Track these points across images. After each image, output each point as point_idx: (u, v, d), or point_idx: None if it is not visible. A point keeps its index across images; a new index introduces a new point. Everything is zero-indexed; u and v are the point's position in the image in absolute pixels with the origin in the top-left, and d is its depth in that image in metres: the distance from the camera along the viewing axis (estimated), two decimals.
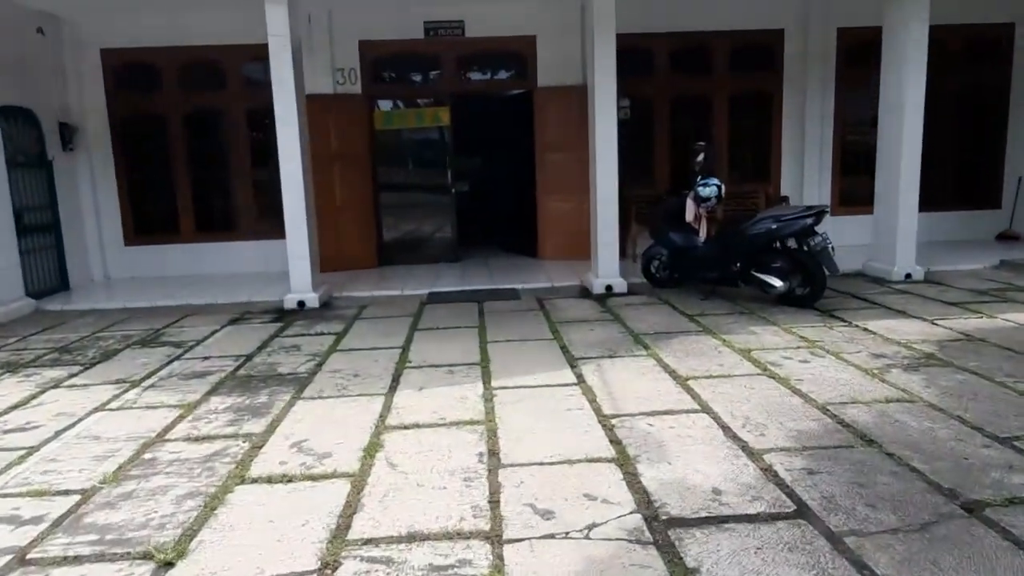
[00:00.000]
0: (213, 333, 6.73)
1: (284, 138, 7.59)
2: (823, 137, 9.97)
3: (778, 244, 6.71)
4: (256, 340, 6.38)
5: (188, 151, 10.00)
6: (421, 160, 10.68)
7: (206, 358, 5.85)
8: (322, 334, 6.50)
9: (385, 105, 10.18)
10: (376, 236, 10.12)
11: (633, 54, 9.50)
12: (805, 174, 10.03)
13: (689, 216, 7.29)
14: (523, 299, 7.76)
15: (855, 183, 10.11)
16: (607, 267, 7.83)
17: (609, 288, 7.80)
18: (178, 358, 5.89)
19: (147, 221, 10.16)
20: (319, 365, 5.49)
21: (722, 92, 10.09)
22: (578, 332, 6.15)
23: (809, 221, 6.42)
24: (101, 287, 9.49)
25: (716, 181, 7.11)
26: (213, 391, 4.94)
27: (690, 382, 4.70)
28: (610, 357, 5.35)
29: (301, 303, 7.75)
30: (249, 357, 5.83)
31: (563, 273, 9.03)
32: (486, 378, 4.95)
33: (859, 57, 9.85)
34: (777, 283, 6.60)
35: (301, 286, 7.80)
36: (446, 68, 9.89)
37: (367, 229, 10.02)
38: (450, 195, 10.23)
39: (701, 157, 7.33)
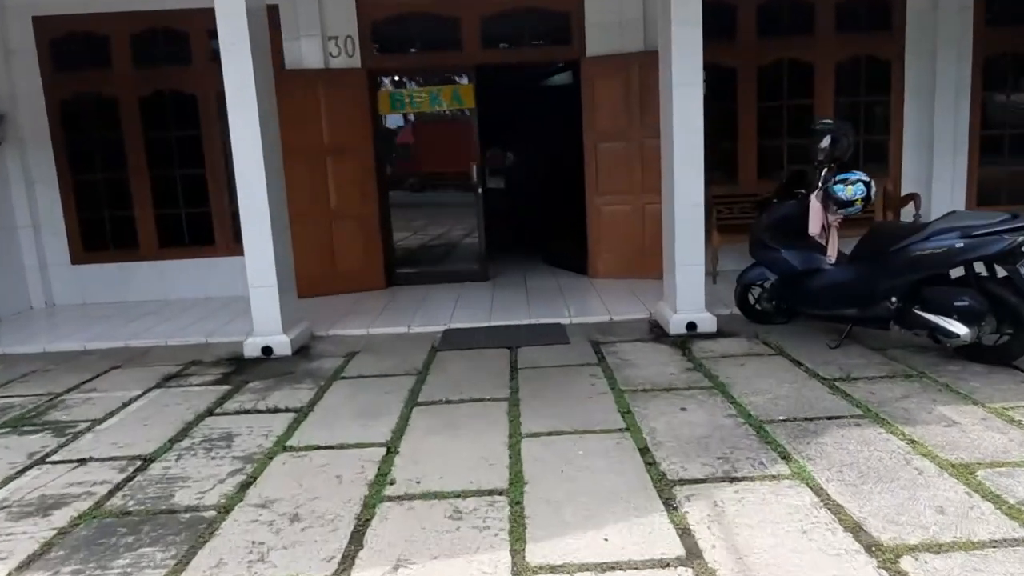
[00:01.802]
0: (127, 404, 4.68)
1: (238, 126, 5.51)
2: (958, 115, 7.58)
3: (961, 270, 4.45)
4: (178, 420, 4.30)
5: (148, 144, 7.97)
6: (439, 152, 8.53)
7: (84, 461, 3.77)
8: (276, 411, 4.39)
9: (391, 83, 8.03)
10: (382, 249, 8.00)
11: (709, 13, 7.21)
12: (935, 164, 7.65)
13: (814, 227, 5.02)
14: (573, 342, 5.57)
15: (1003, 176, 7.73)
16: (690, 297, 5.60)
17: (692, 326, 5.58)
18: (45, 459, 3.84)
19: (99, 233, 8.16)
20: (246, 485, 3.37)
21: (825, 60, 7.75)
22: (662, 414, 3.95)
23: (1021, 238, 4.13)
24: (36, 318, 7.52)
25: (863, 176, 4.84)
26: (36, 558, 2.83)
27: (903, 561, 2.46)
28: (729, 480, 3.14)
29: (267, 349, 5.65)
30: (149, 460, 3.75)
31: (623, 299, 6.81)
32: (516, 532, 2.78)
33: (1008, 11, 7.46)
34: (962, 330, 4.33)
35: (267, 326, 5.71)
36: (469, 34, 7.70)
37: (370, 240, 7.89)
38: (476, 195, 8.06)
39: (827, 142, 5.07)
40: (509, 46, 7.82)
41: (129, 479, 3.54)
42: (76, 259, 8.11)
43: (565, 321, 6.19)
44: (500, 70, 8.24)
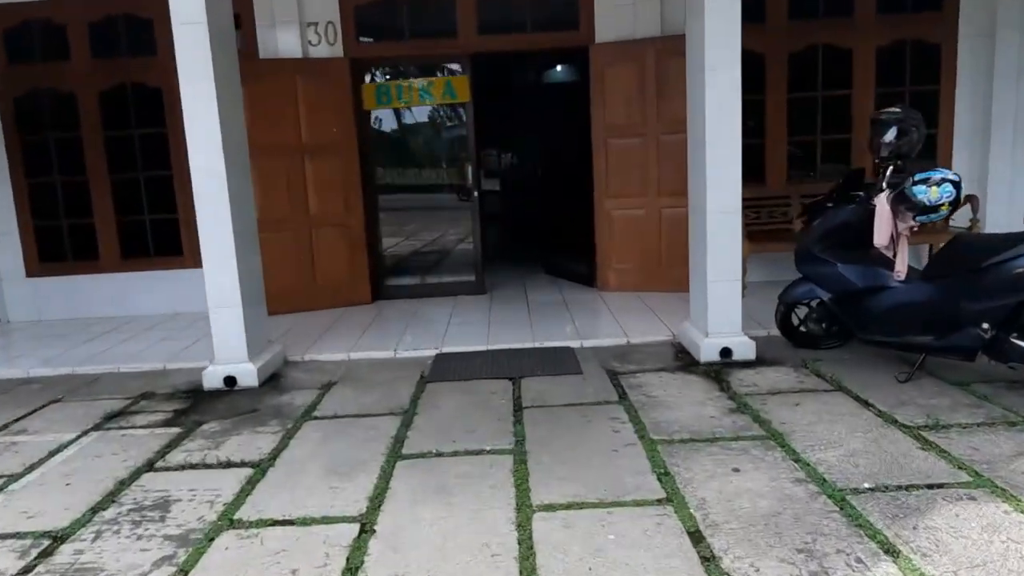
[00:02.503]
0: (54, 453, 3.87)
1: (194, 119, 4.68)
2: (1021, 102, 6.76)
3: None
4: (108, 478, 3.49)
5: (108, 144, 7.14)
6: (431, 151, 7.73)
7: None
8: (229, 465, 3.57)
9: (377, 75, 7.21)
10: (368, 259, 7.17)
11: None
12: (991, 161, 6.85)
13: (881, 237, 4.21)
14: (586, 372, 4.74)
15: None
16: (724, 318, 4.78)
17: (727, 352, 4.76)
18: None
19: (56, 243, 7.33)
20: None
21: (866, 44, 6.94)
22: (710, 477, 3.14)
23: None
24: None
25: (948, 174, 4.02)
26: None
27: None
28: None
29: (229, 380, 4.82)
30: (60, 539, 2.93)
31: (640, 318, 5.99)
32: None
33: None
34: None
35: (229, 352, 4.87)
36: (464, 18, 6.88)
37: (355, 250, 7.06)
38: (472, 199, 7.23)
39: (892, 134, 4.27)
40: (510, 31, 6.97)
41: (26, 571, 2.70)
42: (31, 271, 7.30)
43: (575, 344, 5.37)
44: (497, 60, 7.42)
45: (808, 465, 3.20)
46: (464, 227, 7.62)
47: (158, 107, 6.93)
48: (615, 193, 6.90)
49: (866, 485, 3.00)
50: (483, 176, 17.13)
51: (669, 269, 6.76)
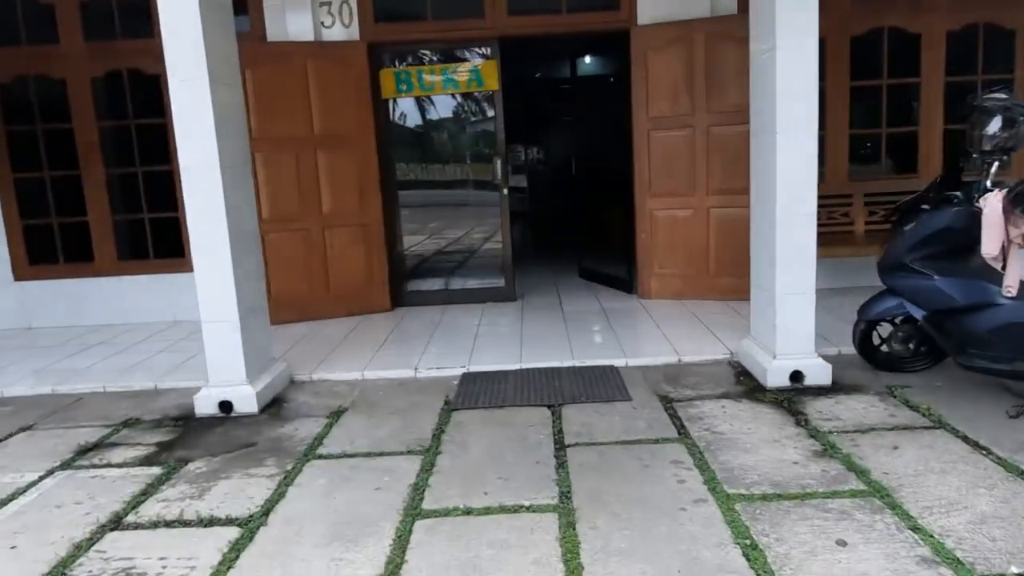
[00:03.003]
0: (7, 502, 3.25)
1: (183, 106, 4.08)
2: None
3: None
4: (64, 540, 2.90)
5: (103, 136, 6.57)
6: (456, 144, 7.10)
7: None
8: (212, 523, 2.95)
9: (397, 61, 6.58)
10: (387, 262, 6.55)
11: None
12: None
13: (991, 245, 3.50)
14: (636, 397, 4.09)
15: None
16: (796, 337, 4.11)
17: (797, 376, 4.08)
18: None
19: (48, 244, 6.78)
20: None
21: (936, 26, 6.21)
22: (811, 554, 2.49)
23: None
24: None
25: None
26: None
27: None
28: None
29: (225, 405, 4.22)
30: None
31: (689, 331, 5.32)
32: None
33: None
34: None
35: (225, 373, 4.27)
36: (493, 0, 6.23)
37: (373, 251, 6.44)
38: (501, 196, 6.58)
39: (996, 125, 3.58)
40: (543, 13, 6.31)
41: None
42: (20, 275, 6.75)
43: (619, 362, 4.71)
44: (530, 44, 6.77)
45: (931, 537, 2.53)
46: (492, 227, 6.97)
47: (156, 95, 6.33)
48: (659, 191, 6.23)
49: (1014, 570, 2.32)
50: (510, 172, 16.57)
51: (718, 276, 6.09)
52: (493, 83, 6.33)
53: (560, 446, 3.49)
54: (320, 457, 3.55)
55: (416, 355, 5.10)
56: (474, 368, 4.77)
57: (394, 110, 6.67)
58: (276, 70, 5.97)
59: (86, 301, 6.70)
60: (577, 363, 4.74)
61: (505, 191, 6.51)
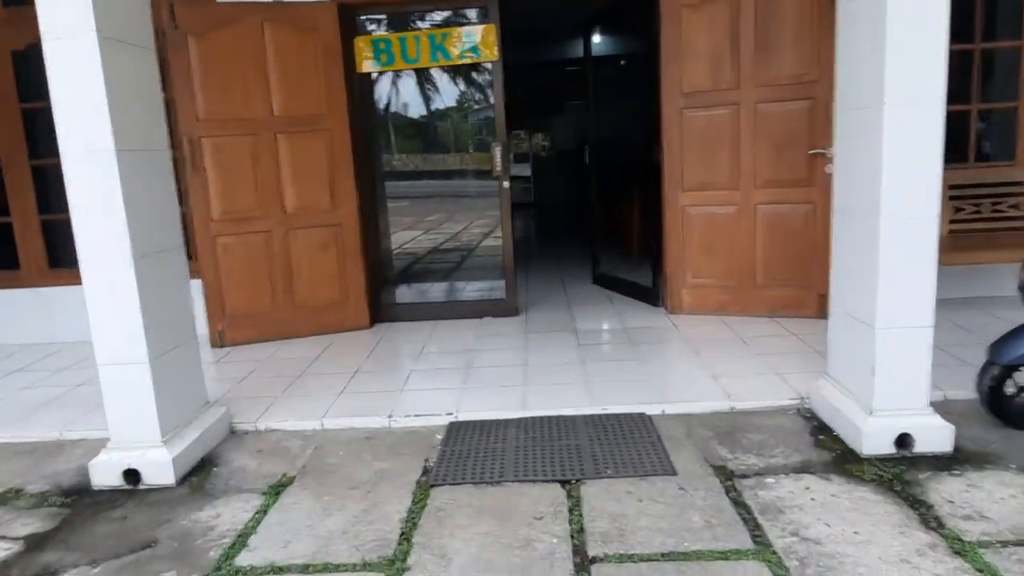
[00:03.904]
0: None
1: (60, 78, 2.96)
2: None
3: None
4: None
5: (27, 122, 5.47)
6: (448, 127, 5.98)
7: None
8: None
9: (375, 27, 5.46)
10: (365, 269, 5.43)
11: None
12: None
13: None
14: (681, 469, 2.99)
15: None
16: (902, 386, 3.01)
17: (905, 441, 2.96)
18: None
19: None
20: None
21: None
22: None
23: None
24: None
25: None
26: None
27: None
28: None
29: (132, 475, 3.13)
30: None
31: (737, 359, 4.23)
32: None
33: None
34: None
35: (132, 431, 3.19)
36: None
37: (346, 256, 5.34)
38: (501, 190, 5.46)
39: None
40: None
41: None
42: None
43: (653, 409, 3.62)
44: (535, 7, 5.63)
45: None
46: (489, 225, 5.88)
47: None
48: (693, 184, 5.11)
49: None
50: (513, 161, 15.44)
51: (767, 287, 4.99)
52: (492, 52, 5.20)
53: (582, 560, 2.39)
54: (238, 572, 2.46)
55: (392, 393, 4.02)
56: (464, 414, 3.68)
57: (372, 87, 5.55)
58: (226, 37, 4.88)
59: (11, 316, 5.63)
60: (598, 409, 3.65)
61: (506, 184, 5.39)
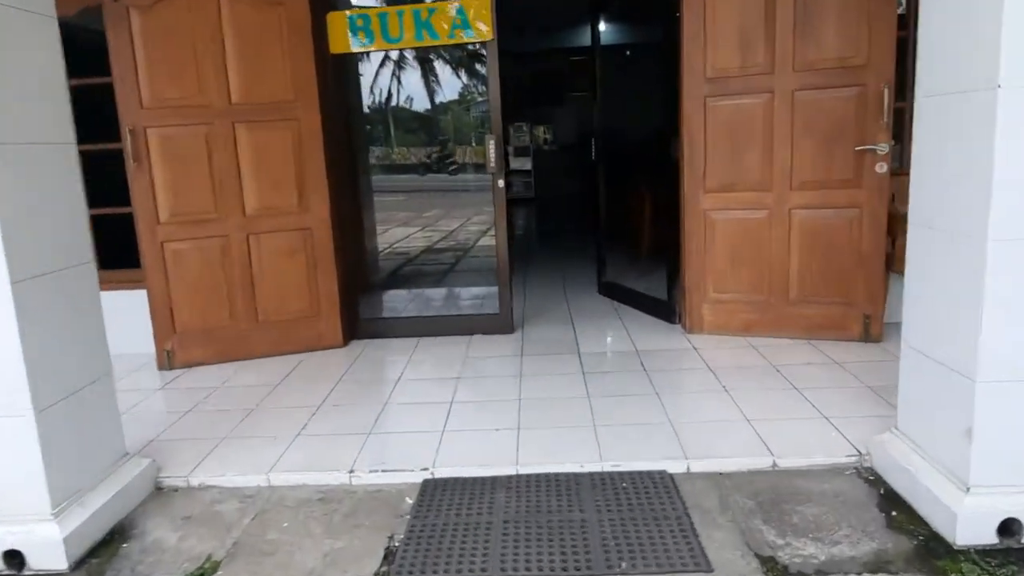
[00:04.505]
0: None
1: None
2: None
3: None
4: None
5: None
6: (436, 117, 5.27)
7: None
8: None
9: (351, 0, 4.76)
10: (339, 278, 4.73)
11: None
12: None
13: None
14: (720, 566, 2.27)
15: None
16: (1006, 455, 2.30)
17: (1010, 528, 2.25)
18: None
19: None
20: None
21: None
22: None
23: None
24: None
25: None
26: None
27: None
28: None
29: (14, 558, 2.43)
30: None
31: (773, 396, 3.54)
32: None
33: None
34: None
35: (16, 501, 2.49)
36: None
37: (318, 265, 4.66)
38: (495, 188, 4.73)
39: None
40: None
41: None
42: None
43: (676, 466, 2.93)
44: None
45: None
46: (482, 226, 5.17)
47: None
48: (717, 184, 4.40)
49: None
50: (512, 154, 14.70)
51: (802, 303, 4.29)
52: (485, 29, 4.48)
53: None
54: None
55: (359, 436, 3.32)
56: (443, 469, 2.99)
57: (349, 70, 4.83)
58: (175, 10, 4.19)
59: None
60: (608, 465, 2.95)
61: (501, 182, 4.68)
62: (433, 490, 2.87)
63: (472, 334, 4.88)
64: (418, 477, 2.97)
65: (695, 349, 4.35)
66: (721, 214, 4.43)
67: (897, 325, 4.46)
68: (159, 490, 3.02)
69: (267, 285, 4.57)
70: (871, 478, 2.81)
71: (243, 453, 3.23)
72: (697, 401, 3.58)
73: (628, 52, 5.94)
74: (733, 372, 3.90)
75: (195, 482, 3.04)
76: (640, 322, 4.99)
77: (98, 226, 4.67)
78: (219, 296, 4.49)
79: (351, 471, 3.00)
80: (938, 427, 2.49)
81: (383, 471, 3.00)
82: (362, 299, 5.53)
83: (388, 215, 13.10)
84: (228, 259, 4.48)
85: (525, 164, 14.65)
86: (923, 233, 2.53)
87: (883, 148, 3.96)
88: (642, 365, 4.10)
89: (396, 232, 9.86)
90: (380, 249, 8.54)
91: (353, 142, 5.27)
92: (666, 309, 4.91)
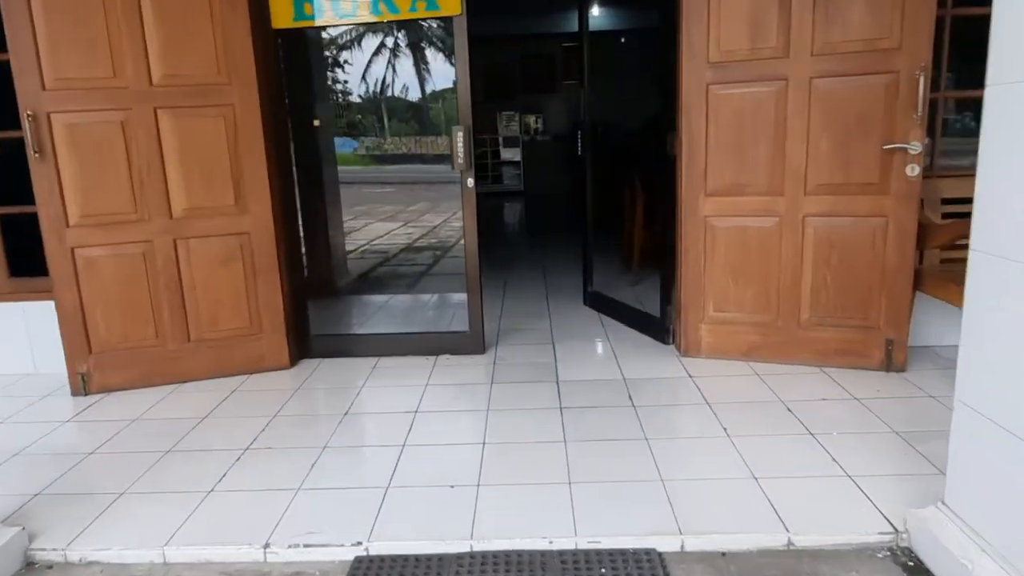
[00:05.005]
0: None
1: None
2: None
3: None
4: None
5: None
6: (395, 103, 4.67)
7: None
8: None
9: None
10: (285, 288, 4.12)
11: None
12: None
13: None
14: None
15: None
16: None
17: None
18: None
19: None
20: None
21: None
22: None
23: None
24: None
25: None
26: None
27: None
28: None
29: None
30: None
31: (784, 446, 2.92)
32: None
33: None
34: None
35: None
36: None
37: (260, 275, 4.06)
38: (464, 188, 4.11)
39: None
40: None
41: None
42: None
43: (669, 543, 2.37)
44: None
45: None
46: (452, 230, 4.57)
47: None
48: (720, 186, 3.80)
49: None
50: (502, 145, 14.05)
51: (815, 327, 3.72)
52: (452, 2, 3.85)
53: None
54: None
55: (284, 493, 2.73)
56: (381, 543, 2.40)
57: (294, 49, 4.21)
58: None
59: None
60: (584, 541, 2.37)
61: (470, 181, 4.07)
62: (366, 571, 2.28)
63: (439, 354, 4.28)
64: (349, 554, 2.38)
65: (691, 377, 3.76)
66: (724, 221, 3.83)
67: (921, 350, 3.90)
68: (30, 566, 2.43)
69: (199, 298, 3.96)
70: (910, 563, 2.24)
71: (140, 516, 2.63)
72: (694, 450, 2.99)
73: (620, 35, 5.33)
74: (736, 410, 3.31)
75: (74, 556, 2.45)
76: (629, 341, 4.39)
77: (7, 228, 4.07)
78: (142, 311, 3.88)
79: (267, 545, 2.41)
80: (1005, 511, 1.90)
81: (306, 546, 2.41)
82: (323, 307, 4.95)
83: (372, 208, 12.50)
84: (152, 268, 3.87)
85: (515, 155, 14.03)
86: (994, 264, 1.93)
87: (915, 147, 3.37)
88: (630, 398, 3.51)
89: (377, 228, 9.27)
90: (351, 249, 7.94)
91: (307, 131, 4.66)
92: (658, 327, 4.31)
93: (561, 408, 3.41)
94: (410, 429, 3.26)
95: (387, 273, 7.06)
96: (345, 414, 3.50)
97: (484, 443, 3.09)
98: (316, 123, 5.15)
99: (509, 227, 10.61)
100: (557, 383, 3.75)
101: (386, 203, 13.71)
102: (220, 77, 3.80)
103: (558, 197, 12.67)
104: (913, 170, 3.41)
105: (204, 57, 3.76)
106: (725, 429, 3.12)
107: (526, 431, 3.18)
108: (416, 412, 3.46)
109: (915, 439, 2.92)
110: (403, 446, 3.10)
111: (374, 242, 8.49)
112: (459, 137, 3.98)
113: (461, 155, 4.00)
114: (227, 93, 3.82)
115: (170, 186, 3.83)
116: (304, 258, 4.57)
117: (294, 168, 4.23)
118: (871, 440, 2.96)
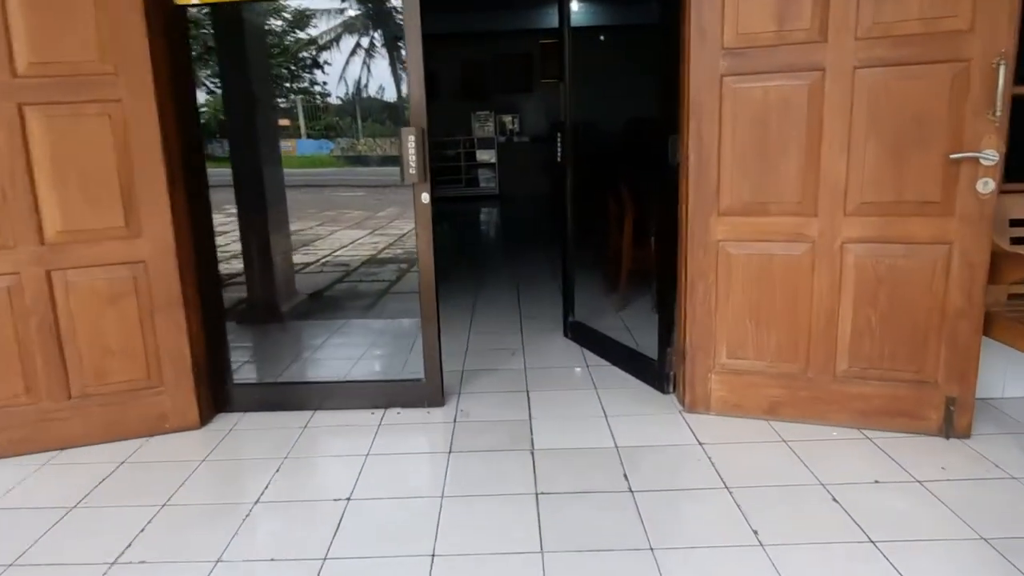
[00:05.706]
0: None
1: None
2: None
3: None
4: None
5: None
6: (328, 96, 3.86)
7: None
8: None
9: None
10: (194, 329, 3.29)
11: None
12: None
13: None
14: None
15: None
16: None
17: None
18: None
19: None
20: None
21: None
22: None
23: None
24: None
25: None
26: None
27: None
28: None
29: None
30: None
31: (836, 557, 2.13)
32: None
33: None
34: None
35: None
36: None
37: (160, 313, 3.24)
38: (417, 204, 3.28)
39: None
40: None
41: None
42: None
43: None
44: None
45: None
46: (401, 252, 3.80)
47: None
48: (738, 203, 3.02)
49: None
50: (477, 146, 13.27)
51: (854, 380, 2.97)
52: None
53: None
54: None
55: None
56: None
57: (203, 30, 3.39)
58: None
59: None
60: None
61: (425, 195, 3.26)
62: None
63: (386, 407, 3.48)
64: None
65: (701, 445, 2.98)
66: (741, 247, 3.06)
67: (987, 410, 3.16)
68: None
69: (81, 344, 3.13)
70: None
71: None
72: (716, 566, 2.20)
73: (606, 29, 4.55)
74: (766, 499, 2.54)
75: None
76: (619, 388, 3.62)
77: None
78: (8, 361, 3.05)
79: None
80: None
81: None
82: (260, 338, 4.14)
83: (340, 214, 11.63)
84: (20, 307, 3.04)
85: (490, 157, 13.26)
86: None
87: (990, 157, 2.62)
88: (626, 478, 2.72)
89: (342, 237, 8.45)
90: (308, 262, 7.15)
91: (197, 133, 3.84)
92: (655, 372, 3.54)
93: (537, 496, 2.62)
94: (335, 532, 2.45)
95: (344, 292, 6.28)
96: (256, 500, 2.69)
97: (433, 555, 2.29)
98: (284, 123, 4.34)
99: (483, 235, 9.82)
100: (532, 453, 2.96)
101: (355, 208, 12.88)
102: (104, 66, 2.98)
103: (536, 200, 11.93)
104: (987, 185, 2.66)
105: (83, 40, 2.93)
106: (755, 533, 2.34)
107: (490, 534, 2.39)
108: (349, 500, 2.66)
109: (1015, 553, 2.16)
110: (323, 560, 2.29)
111: (336, 253, 7.70)
112: (410, 142, 3.18)
113: (413, 164, 3.19)
114: (114, 85, 3.00)
115: (40, 204, 3.00)
116: (223, 287, 3.74)
117: (206, 176, 3.39)
118: (952, 549, 2.20)
